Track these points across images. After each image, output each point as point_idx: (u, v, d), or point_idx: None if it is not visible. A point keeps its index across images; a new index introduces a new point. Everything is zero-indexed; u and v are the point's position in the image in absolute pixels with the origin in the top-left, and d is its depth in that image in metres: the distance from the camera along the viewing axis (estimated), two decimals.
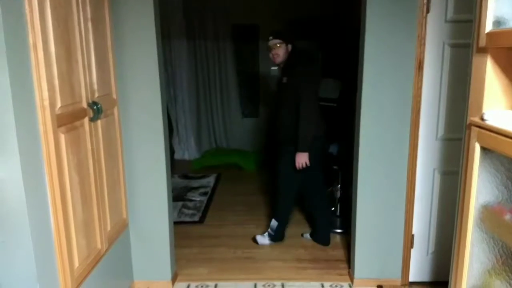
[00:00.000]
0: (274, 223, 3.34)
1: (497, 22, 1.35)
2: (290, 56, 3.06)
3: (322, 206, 3.38)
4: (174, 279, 2.78)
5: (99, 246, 2.10)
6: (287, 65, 3.08)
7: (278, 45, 3.02)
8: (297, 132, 2.94)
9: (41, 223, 1.62)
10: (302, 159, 2.98)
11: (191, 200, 4.32)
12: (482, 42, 1.40)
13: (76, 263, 1.84)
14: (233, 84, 5.96)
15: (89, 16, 1.98)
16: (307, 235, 3.45)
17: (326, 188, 3.46)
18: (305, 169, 3.02)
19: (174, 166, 5.14)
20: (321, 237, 3.36)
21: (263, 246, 3.29)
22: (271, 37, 3.05)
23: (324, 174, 3.36)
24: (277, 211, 3.38)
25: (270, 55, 3.10)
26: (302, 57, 3.15)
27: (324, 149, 3.27)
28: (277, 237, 3.35)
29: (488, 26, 1.37)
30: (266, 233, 3.36)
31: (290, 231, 3.49)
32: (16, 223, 1.52)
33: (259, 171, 5.39)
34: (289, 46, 3.05)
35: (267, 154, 3.52)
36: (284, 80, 3.07)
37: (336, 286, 2.73)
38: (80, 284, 1.87)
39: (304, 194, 3.37)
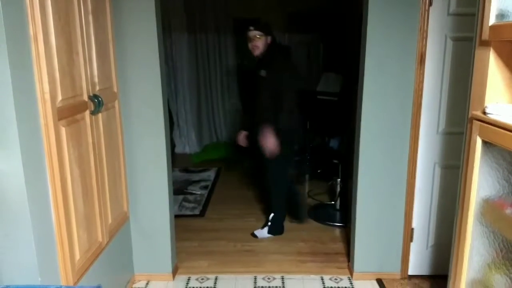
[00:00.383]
0: (270, 216, 3.39)
1: (501, 15, 1.35)
2: (269, 48, 3.04)
3: (296, 191, 3.65)
4: (174, 272, 2.79)
5: (100, 239, 2.10)
6: (265, 58, 3.05)
7: (258, 36, 3.00)
8: (278, 125, 2.96)
9: (42, 216, 1.62)
10: (270, 143, 2.97)
11: (191, 194, 4.33)
12: (485, 35, 1.39)
13: (77, 256, 1.85)
14: (233, 78, 5.94)
15: (89, 8, 1.97)
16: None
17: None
18: (287, 160, 3.16)
19: (175, 159, 5.14)
20: (301, 215, 3.59)
21: (263, 239, 3.30)
22: (251, 28, 3.02)
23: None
24: (273, 204, 3.41)
25: (250, 46, 3.07)
26: (281, 51, 3.16)
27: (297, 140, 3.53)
28: (276, 229, 3.36)
29: (492, 19, 1.37)
30: (266, 227, 3.36)
31: (289, 224, 3.51)
32: (17, 216, 1.52)
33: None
34: (269, 39, 3.03)
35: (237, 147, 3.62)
36: (262, 73, 3.03)
37: (335, 279, 2.74)
38: (81, 277, 1.88)
39: None
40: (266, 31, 3.02)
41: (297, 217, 3.56)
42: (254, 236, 3.34)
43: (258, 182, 4.60)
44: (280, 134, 2.99)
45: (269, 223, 3.36)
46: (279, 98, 2.92)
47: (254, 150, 3.31)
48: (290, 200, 3.51)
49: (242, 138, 3.39)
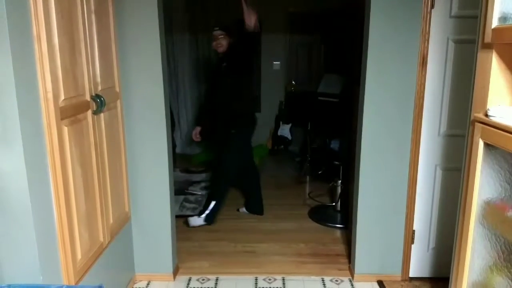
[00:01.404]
0: (212, 204, 3.55)
1: (503, 18, 1.35)
2: (231, 47, 3.34)
3: (256, 180, 3.82)
4: (175, 272, 2.79)
5: (101, 239, 2.10)
6: (228, 54, 3.35)
7: (222, 36, 3.32)
8: (237, 109, 3.38)
9: (44, 215, 1.62)
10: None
11: (192, 194, 4.33)
12: (488, 38, 1.40)
13: (79, 256, 1.85)
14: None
15: (92, 8, 1.97)
16: (243, 209, 3.82)
17: (254, 163, 3.88)
18: (247, 148, 3.52)
19: (176, 160, 5.13)
20: (257, 208, 3.78)
21: (263, 240, 3.29)
22: (216, 28, 3.36)
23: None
24: (217, 192, 3.60)
25: (214, 44, 3.39)
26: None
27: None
28: (212, 218, 3.54)
29: (494, 22, 1.37)
30: (204, 215, 3.50)
31: (289, 225, 3.52)
32: (19, 215, 1.52)
33: (261, 166, 5.39)
34: (231, 39, 3.37)
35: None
36: (224, 65, 3.38)
37: (336, 280, 2.74)
38: (82, 276, 1.88)
39: (241, 172, 3.70)
40: (229, 31, 3.32)
41: (259, 212, 3.79)
42: (187, 224, 3.48)
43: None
44: (238, 119, 3.39)
45: (207, 211, 3.49)
46: (238, 85, 3.35)
47: (215, 139, 3.61)
48: (254, 194, 3.80)
49: (196, 133, 3.67)
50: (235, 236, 3.37)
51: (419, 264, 2.70)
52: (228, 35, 3.33)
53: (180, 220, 3.45)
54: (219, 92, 3.48)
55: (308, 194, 4.39)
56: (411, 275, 2.71)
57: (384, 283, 2.68)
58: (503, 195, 1.38)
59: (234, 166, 3.56)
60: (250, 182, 3.83)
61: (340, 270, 2.86)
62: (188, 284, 2.71)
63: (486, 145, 1.43)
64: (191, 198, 4.23)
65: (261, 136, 5.96)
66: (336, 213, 3.78)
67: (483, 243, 1.49)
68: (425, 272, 2.71)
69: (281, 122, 5.83)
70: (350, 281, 2.74)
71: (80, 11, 1.84)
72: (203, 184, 4.64)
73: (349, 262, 2.91)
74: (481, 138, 1.44)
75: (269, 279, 2.75)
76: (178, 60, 5.79)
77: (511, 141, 1.25)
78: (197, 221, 3.52)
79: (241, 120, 3.47)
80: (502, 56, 1.40)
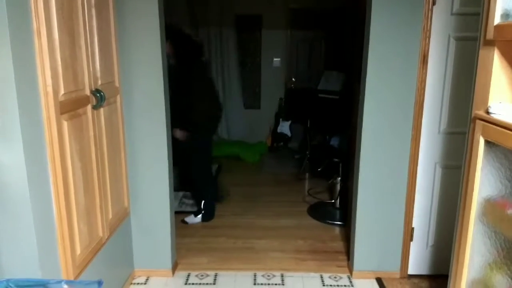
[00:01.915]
0: (202, 204, 3.64)
1: (506, 15, 1.34)
2: (178, 48, 3.27)
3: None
4: (174, 268, 2.79)
5: (100, 234, 2.10)
6: (180, 54, 3.29)
7: None
8: (193, 116, 3.30)
9: (44, 209, 1.62)
10: (179, 135, 3.31)
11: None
12: (490, 34, 1.39)
13: (78, 251, 1.84)
14: (235, 75, 5.93)
15: (92, 2, 1.96)
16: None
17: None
18: (206, 148, 3.57)
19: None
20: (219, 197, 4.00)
21: (262, 236, 3.29)
22: None
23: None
24: (203, 191, 3.69)
25: None
26: (190, 45, 3.45)
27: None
28: (209, 215, 3.63)
29: (496, 19, 1.36)
30: (200, 214, 3.58)
31: (287, 222, 3.53)
32: (18, 209, 1.52)
33: (260, 163, 5.40)
34: (169, 42, 3.16)
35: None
36: (178, 67, 3.31)
37: (335, 277, 2.75)
38: (81, 271, 1.88)
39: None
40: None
41: (218, 199, 3.93)
42: (185, 222, 3.53)
43: (259, 179, 4.60)
44: (195, 124, 3.34)
45: (203, 211, 3.59)
46: (191, 89, 3.28)
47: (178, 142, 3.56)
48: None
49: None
50: (234, 232, 3.38)
51: (418, 261, 2.70)
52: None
53: (179, 216, 3.45)
54: (181, 97, 3.42)
55: (308, 191, 4.39)
56: (409, 272, 2.72)
57: (383, 280, 2.68)
58: (504, 192, 1.38)
59: (203, 164, 3.61)
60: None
61: (339, 267, 2.86)
62: (187, 280, 2.71)
63: (487, 142, 1.43)
64: (190, 194, 4.21)
65: (260, 133, 5.97)
66: (335, 210, 3.78)
67: (483, 240, 1.49)
68: (424, 270, 2.71)
69: (280, 119, 5.83)
70: (349, 278, 2.74)
71: (80, 6, 1.83)
72: None
73: (348, 259, 2.91)
74: (482, 136, 1.44)
75: (268, 276, 2.75)
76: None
77: (511, 138, 1.25)
78: (194, 220, 3.57)
79: (196, 126, 3.37)
80: (503, 53, 1.40)
